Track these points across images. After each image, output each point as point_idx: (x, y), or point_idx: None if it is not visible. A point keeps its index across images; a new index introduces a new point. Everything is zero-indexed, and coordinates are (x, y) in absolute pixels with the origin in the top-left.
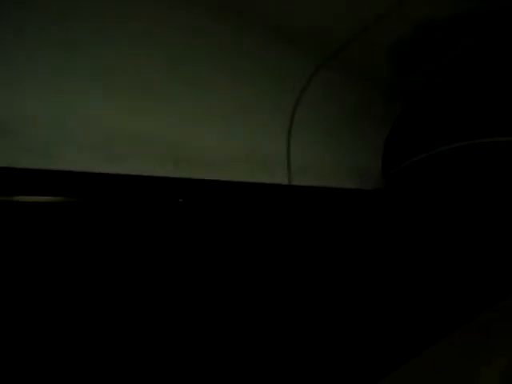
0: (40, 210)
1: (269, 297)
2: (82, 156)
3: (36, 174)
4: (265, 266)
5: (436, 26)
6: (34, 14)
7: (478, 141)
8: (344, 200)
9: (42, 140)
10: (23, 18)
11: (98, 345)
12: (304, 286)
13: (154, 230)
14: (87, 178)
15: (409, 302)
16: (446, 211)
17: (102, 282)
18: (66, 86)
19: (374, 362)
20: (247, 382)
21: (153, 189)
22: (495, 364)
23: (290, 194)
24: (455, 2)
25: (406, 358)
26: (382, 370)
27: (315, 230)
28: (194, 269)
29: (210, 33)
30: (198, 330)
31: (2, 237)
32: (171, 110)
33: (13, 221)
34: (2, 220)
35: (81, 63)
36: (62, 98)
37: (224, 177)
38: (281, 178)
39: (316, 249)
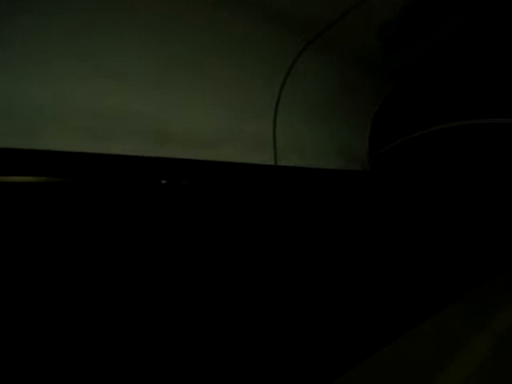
0: (24, 189)
1: (255, 279)
2: (67, 135)
3: (19, 154)
4: (250, 247)
5: (424, 5)
6: None
7: (463, 123)
8: (330, 181)
9: (28, 120)
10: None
11: (86, 330)
12: (290, 267)
13: (138, 210)
14: (71, 158)
15: (392, 284)
16: (430, 193)
17: (85, 263)
18: (53, 67)
19: (357, 342)
20: (237, 373)
21: (137, 168)
22: (468, 353)
23: (276, 175)
24: None
25: (388, 340)
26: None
27: (301, 210)
28: (179, 252)
29: (199, 15)
30: (180, 313)
31: None
32: (157, 90)
33: None
34: None
35: (69, 45)
36: (48, 78)
37: (210, 157)
38: (267, 159)
39: (302, 229)
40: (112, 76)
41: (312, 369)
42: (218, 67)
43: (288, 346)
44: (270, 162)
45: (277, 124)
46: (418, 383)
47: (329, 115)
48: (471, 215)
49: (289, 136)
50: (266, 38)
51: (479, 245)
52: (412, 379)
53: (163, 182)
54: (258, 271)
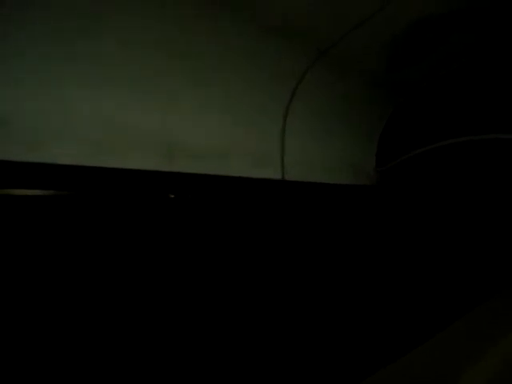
0: (31, 203)
1: (262, 293)
2: (73, 149)
3: (27, 168)
4: (257, 263)
5: (430, 22)
6: (29, 7)
7: (470, 138)
8: (337, 195)
9: (34, 133)
10: (18, 12)
11: (87, 334)
12: (297, 281)
13: (145, 224)
14: (78, 172)
15: (399, 298)
16: (438, 208)
17: (92, 276)
18: (58, 79)
19: (360, 359)
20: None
21: (144, 183)
22: (480, 366)
23: (283, 189)
24: None
25: (392, 357)
26: (368, 368)
27: (308, 225)
28: (185, 266)
29: (210, 29)
30: (189, 325)
31: None
32: (164, 103)
33: (3, 214)
34: None
35: (75, 57)
36: (54, 91)
37: (216, 171)
38: (274, 173)
39: (308, 245)
40: (119, 89)
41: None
42: (226, 81)
43: (293, 365)
44: (278, 177)
45: (284, 138)
46: None
47: (336, 130)
48: (479, 230)
49: (296, 150)
50: (275, 52)
51: (489, 258)
52: None
53: (171, 196)
54: (266, 287)
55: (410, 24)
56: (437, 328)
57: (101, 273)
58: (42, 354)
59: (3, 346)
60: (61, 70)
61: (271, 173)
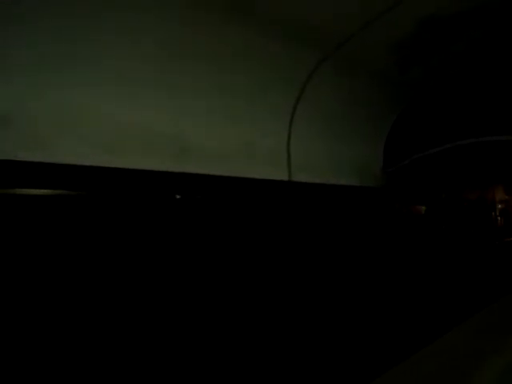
0: (39, 202)
1: (267, 291)
2: (82, 149)
3: (36, 167)
4: (264, 262)
5: (439, 22)
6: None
7: (478, 139)
8: (343, 197)
9: (43, 132)
10: (22, 11)
11: (91, 332)
12: (303, 280)
13: (152, 223)
14: (85, 172)
15: (404, 299)
16: (445, 211)
17: (98, 274)
18: (65, 79)
19: (363, 362)
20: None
21: (152, 183)
22: (487, 367)
23: (290, 190)
24: None
25: (396, 361)
26: (372, 371)
27: (315, 226)
28: (192, 265)
29: (221, 30)
30: (193, 324)
31: (2, 229)
32: (172, 103)
33: (12, 213)
34: (1, 212)
35: (80, 56)
36: (62, 91)
37: (224, 172)
38: (281, 174)
39: (315, 245)
40: (128, 90)
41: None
42: (232, 82)
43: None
44: (284, 178)
45: (291, 140)
46: None
47: (343, 131)
48: (484, 234)
49: (303, 152)
50: (283, 54)
51: (495, 261)
52: None
53: (178, 196)
54: (271, 286)
55: (418, 24)
56: (446, 327)
57: (108, 269)
58: (44, 348)
59: (4, 341)
60: (67, 69)
61: (278, 174)
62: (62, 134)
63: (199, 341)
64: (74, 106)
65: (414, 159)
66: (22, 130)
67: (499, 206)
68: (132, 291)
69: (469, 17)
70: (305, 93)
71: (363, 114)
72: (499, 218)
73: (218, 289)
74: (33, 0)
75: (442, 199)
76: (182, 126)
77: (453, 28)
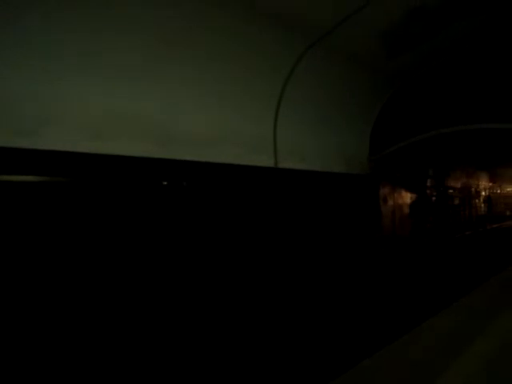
0: (27, 189)
1: (254, 281)
2: (69, 136)
3: (24, 154)
4: (250, 248)
5: (426, 11)
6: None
7: (465, 127)
8: (329, 183)
9: (30, 119)
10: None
11: (77, 316)
12: (289, 268)
13: (139, 209)
14: (73, 158)
15: (388, 283)
16: (430, 198)
17: (86, 260)
18: (53, 66)
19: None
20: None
21: (138, 169)
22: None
23: (276, 177)
24: None
25: (381, 344)
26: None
27: (300, 212)
28: (179, 251)
29: (209, 17)
30: (182, 312)
31: None
32: (159, 90)
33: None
34: None
35: (67, 45)
36: (49, 78)
37: (210, 158)
38: (267, 161)
39: (301, 231)
40: (116, 77)
41: (309, 369)
42: (220, 69)
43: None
44: (271, 164)
45: (277, 126)
46: None
47: (329, 118)
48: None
49: (289, 138)
50: (270, 42)
51: (479, 246)
52: (412, 381)
53: (164, 183)
54: (257, 273)
55: (406, 13)
56: (433, 310)
57: (96, 259)
58: (32, 337)
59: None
60: (54, 57)
61: (265, 160)
62: (49, 121)
63: (179, 325)
64: (61, 93)
65: (399, 147)
66: (10, 117)
67: (483, 193)
68: (119, 277)
69: (459, 3)
70: (292, 80)
71: (351, 102)
72: (483, 205)
73: (205, 276)
74: None
75: (427, 187)
76: (169, 113)
77: (440, 17)
